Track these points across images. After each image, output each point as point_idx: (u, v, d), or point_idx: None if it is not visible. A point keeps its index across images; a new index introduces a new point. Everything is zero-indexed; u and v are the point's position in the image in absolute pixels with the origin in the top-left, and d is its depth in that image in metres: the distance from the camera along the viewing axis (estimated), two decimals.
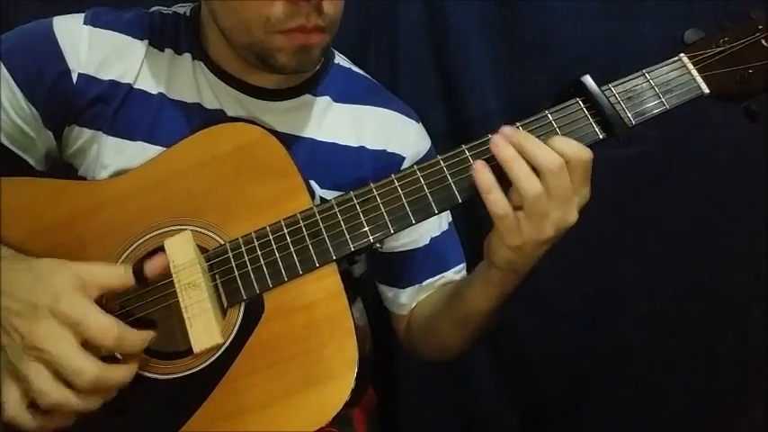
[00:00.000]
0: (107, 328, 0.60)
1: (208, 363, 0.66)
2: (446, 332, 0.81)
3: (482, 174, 0.63)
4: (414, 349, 0.90)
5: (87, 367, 0.59)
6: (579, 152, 0.62)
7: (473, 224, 1.00)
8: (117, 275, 0.64)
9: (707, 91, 0.67)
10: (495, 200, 0.62)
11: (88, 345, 0.60)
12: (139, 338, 0.62)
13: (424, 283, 0.87)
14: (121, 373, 0.62)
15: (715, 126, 0.96)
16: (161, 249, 0.68)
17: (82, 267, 0.62)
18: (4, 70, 0.72)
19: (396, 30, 1.04)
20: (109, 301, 0.66)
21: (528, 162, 0.62)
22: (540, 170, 0.61)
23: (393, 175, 0.68)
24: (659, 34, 0.94)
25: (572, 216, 0.63)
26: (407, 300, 0.88)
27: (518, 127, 0.66)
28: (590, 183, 0.64)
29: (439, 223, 0.88)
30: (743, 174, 1.00)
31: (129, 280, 0.64)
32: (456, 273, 0.88)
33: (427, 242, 0.86)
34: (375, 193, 0.68)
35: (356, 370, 0.65)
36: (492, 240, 0.66)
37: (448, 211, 0.89)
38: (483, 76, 1.04)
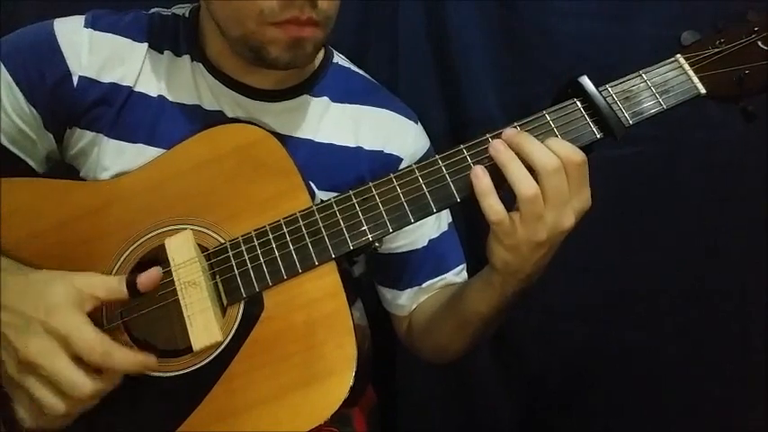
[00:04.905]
0: (93, 343, 0.60)
1: (207, 360, 0.66)
2: (446, 334, 0.81)
3: (480, 179, 0.63)
4: (414, 351, 0.90)
5: (81, 382, 0.59)
6: (571, 154, 0.62)
7: (472, 225, 1.00)
8: (112, 289, 0.64)
9: (703, 91, 0.68)
10: (491, 205, 0.63)
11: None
12: (128, 359, 0.62)
13: (424, 285, 0.87)
14: (113, 382, 0.63)
15: (714, 126, 0.96)
16: (161, 248, 0.68)
17: (79, 279, 0.63)
18: (6, 72, 0.72)
19: (396, 30, 1.04)
20: (109, 303, 0.66)
21: (526, 163, 0.62)
22: (537, 171, 0.61)
23: (392, 175, 0.68)
24: (659, 34, 0.94)
25: (567, 221, 0.62)
26: (406, 301, 0.88)
27: (516, 127, 0.66)
28: (589, 188, 0.64)
29: (438, 225, 0.87)
30: (742, 173, 1.00)
31: (123, 293, 0.64)
32: (456, 274, 0.88)
33: (425, 244, 0.86)
34: (374, 192, 0.68)
35: (355, 367, 0.65)
36: (489, 241, 0.67)
37: (448, 212, 0.90)
38: (483, 76, 1.04)
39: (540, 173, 0.61)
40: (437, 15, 1.03)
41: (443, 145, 0.85)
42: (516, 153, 0.63)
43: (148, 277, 0.65)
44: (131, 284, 0.64)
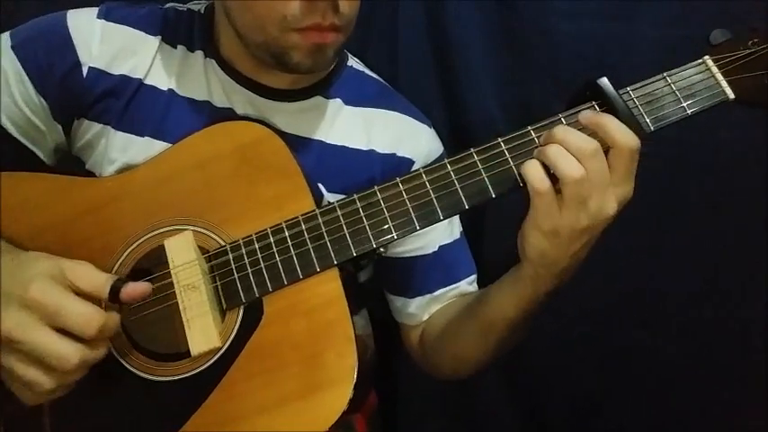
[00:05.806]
0: (90, 316, 0.59)
1: (205, 366, 0.66)
2: (466, 344, 0.78)
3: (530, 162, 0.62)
4: (427, 363, 0.87)
5: (70, 353, 0.58)
6: (627, 137, 0.60)
7: (473, 232, 0.99)
8: (95, 284, 0.62)
9: (732, 96, 0.63)
10: (535, 174, 0.61)
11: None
12: (115, 320, 0.62)
13: (436, 293, 0.85)
14: (101, 351, 0.62)
15: (716, 127, 0.95)
16: (161, 249, 0.67)
17: (66, 263, 0.62)
18: (17, 62, 0.72)
19: (396, 30, 1.03)
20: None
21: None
22: (575, 155, 0.60)
23: (398, 179, 0.66)
24: (658, 34, 0.94)
25: (610, 206, 0.60)
26: (417, 310, 0.86)
27: (530, 131, 0.64)
28: (633, 179, 0.62)
29: (450, 231, 0.86)
30: (743, 174, 0.99)
31: (103, 294, 0.62)
32: (469, 284, 0.86)
33: (435, 249, 0.84)
34: (379, 196, 0.66)
35: (355, 377, 0.63)
36: (525, 227, 0.64)
37: (459, 221, 0.88)
38: (483, 76, 1.03)
39: (579, 156, 0.59)
40: (437, 15, 1.02)
41: (443, 145, 0.84)
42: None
43: (135, 289, 0.63)
44: (115, 290, 0.62)
